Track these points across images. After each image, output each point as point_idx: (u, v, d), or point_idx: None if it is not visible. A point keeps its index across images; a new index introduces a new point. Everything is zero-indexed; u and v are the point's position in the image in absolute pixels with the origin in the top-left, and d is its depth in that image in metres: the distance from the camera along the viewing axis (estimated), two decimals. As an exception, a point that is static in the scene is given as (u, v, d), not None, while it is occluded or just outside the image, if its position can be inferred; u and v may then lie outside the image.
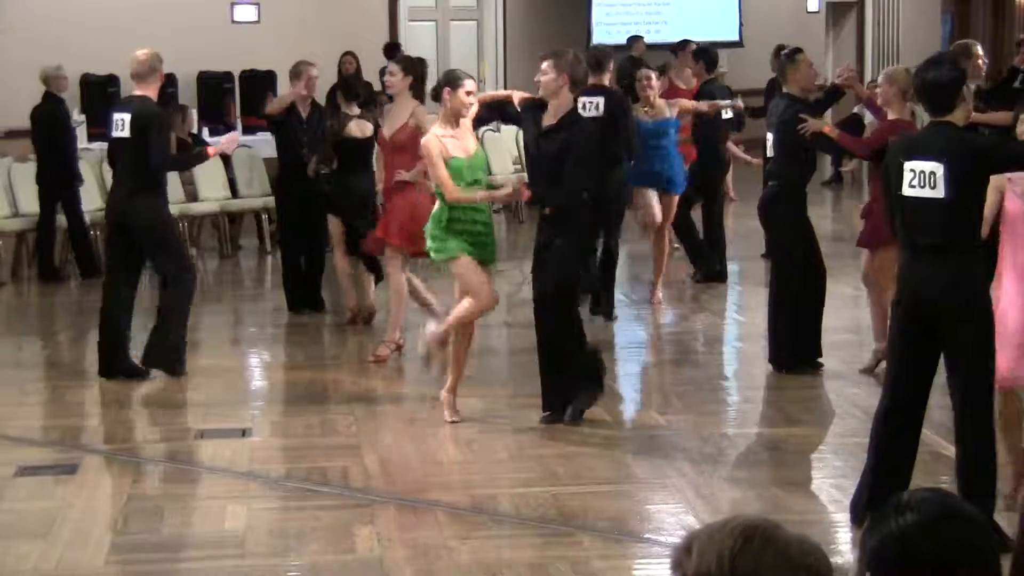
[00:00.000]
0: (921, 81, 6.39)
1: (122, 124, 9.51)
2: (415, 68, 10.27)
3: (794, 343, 9.53)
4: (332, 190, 10.96)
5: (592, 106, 10.80)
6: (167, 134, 9.81)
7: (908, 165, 6.22)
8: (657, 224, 11.88)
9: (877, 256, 9.34)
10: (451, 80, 8.40)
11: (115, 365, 9.67)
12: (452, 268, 8.44)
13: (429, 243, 8.44)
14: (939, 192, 6.13)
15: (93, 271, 13.78)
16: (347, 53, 16.22)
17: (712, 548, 2.36)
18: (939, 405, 8.15)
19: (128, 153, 9.58)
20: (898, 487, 6.26)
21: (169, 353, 9.70)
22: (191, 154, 9.99)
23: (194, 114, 16.35)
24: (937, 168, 6.13)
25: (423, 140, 8.46)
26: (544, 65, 8.22)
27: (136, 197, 9.55)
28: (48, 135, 13.77)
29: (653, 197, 11.73)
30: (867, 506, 6.39)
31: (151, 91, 9.63)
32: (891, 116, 9.23)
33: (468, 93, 8.32)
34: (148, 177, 9.55)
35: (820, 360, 9.63)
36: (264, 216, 15.21)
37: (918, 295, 6.27)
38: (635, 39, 19.00)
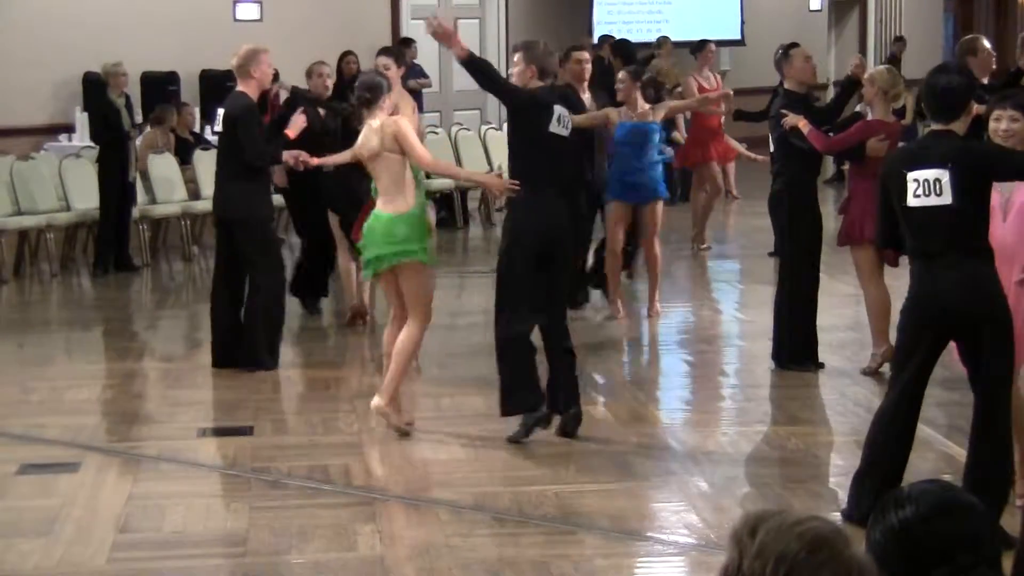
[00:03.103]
0: (930, 84, 6.35)
1: (219, 119, 9.79)
2: (405, 57, 10.36)
3: (796, 340, 9.54)
4: (332, 188, 10.96)
5: None
6: (256, 128, 9.76)
7: (912, 175, 6.18)
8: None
9: (853, 254, 9.36)
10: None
11: (226, 356, 9.84)
12: (416, 277, 8.22)
13: (413, 246, 8.14)
14: (946, 199, 6.10)
15: (107, 267, 13.92)
16: (349, 53, 16.18)
17: (776, 545, 2.31)
18: (940, 403, 8.16)
19: (222, 147, 9.98)
20: (895, 483, 6.28)
21: (249, 353, 9.78)
22: (278, 143, 9.89)
23: (196, 112, 16.36)
24: (942, 175, 6.10)
25: (399, 120, 8.32)
26: (515, 57, 8.21)
27: (230, 190, 9.79)
28: (100, 130, 14.09)
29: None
30: (865, 503, 6.40)
31: (248, 86, 9.74)
32: (873, 116, 9.24)
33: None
34: (241, 170, 9.69)
35: (820, 360, 9.64)
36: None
37: (938, 302, 6.20)
38: (607, 38, 18.98)
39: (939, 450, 7.71)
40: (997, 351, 6.21)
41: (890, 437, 6.45)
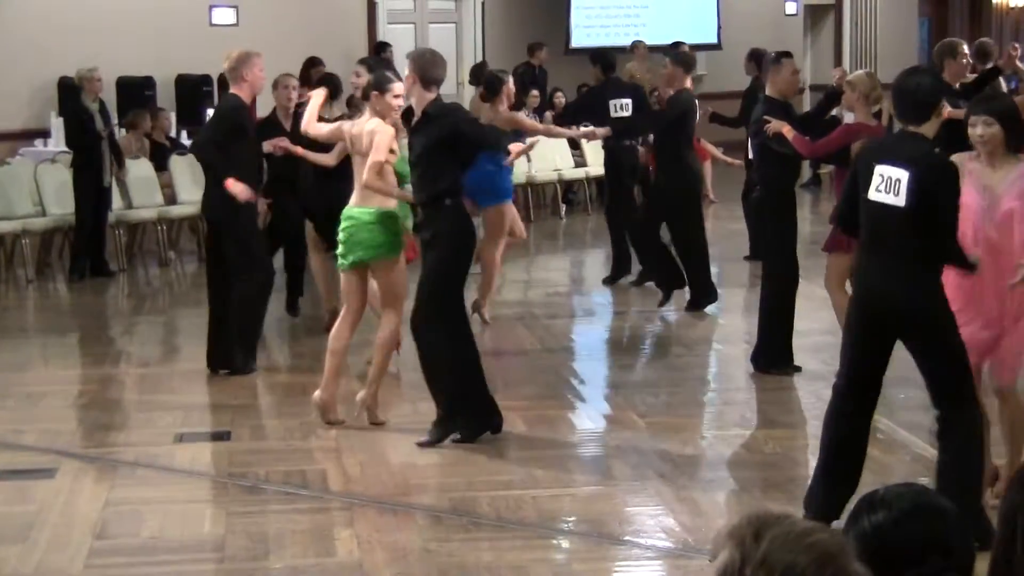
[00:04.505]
0: (900, 86, 6.37)
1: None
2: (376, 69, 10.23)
3: (777, 344, 9.57)
4: (313, 199, 10.96)
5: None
6: (225, 126, 9.69)
7: (878, 169, 6.22)
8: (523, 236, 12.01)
9: (830, 259, 9.39)
10: (379, 83, 8.51)
11: (216, 360, 9.85)
12: (388, 273, 8.46)
13: (387, 245, 8.40)
14: (900, 201, 6.14)
15: (83, 272, 13.89)
16: (316, 62, 16.08)
17: (783, 555, 2.25)
18: (917, 405, 8.19)
19: None
20: (853, 484, 6.31)
21: (232, 353, 9.81)
22: (222, 164, 9.69)
23: (172, 116, 16.32)
24: (903, 175, 6.14)
25: (377, 130, 8.43)
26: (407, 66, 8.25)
27: (215, 191, 9.73)
28: (74, 134, 14.08)
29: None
30: (823, 505, 6.42)
31: (240, 90, 9.67)
32: (855, 120, 9.28)
33: (396, 96, 8.44)
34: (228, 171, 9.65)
35: (797, 364, 9.68)
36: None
37: (872, 296, 6.28)
38: (537, 47, 19.11)
39: (916, 453, 7.74)
40: (935, 354, 6.24)
41: (853, 437, 6.47)
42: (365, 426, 8.59)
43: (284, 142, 10.05)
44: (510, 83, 11.44)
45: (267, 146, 10.09)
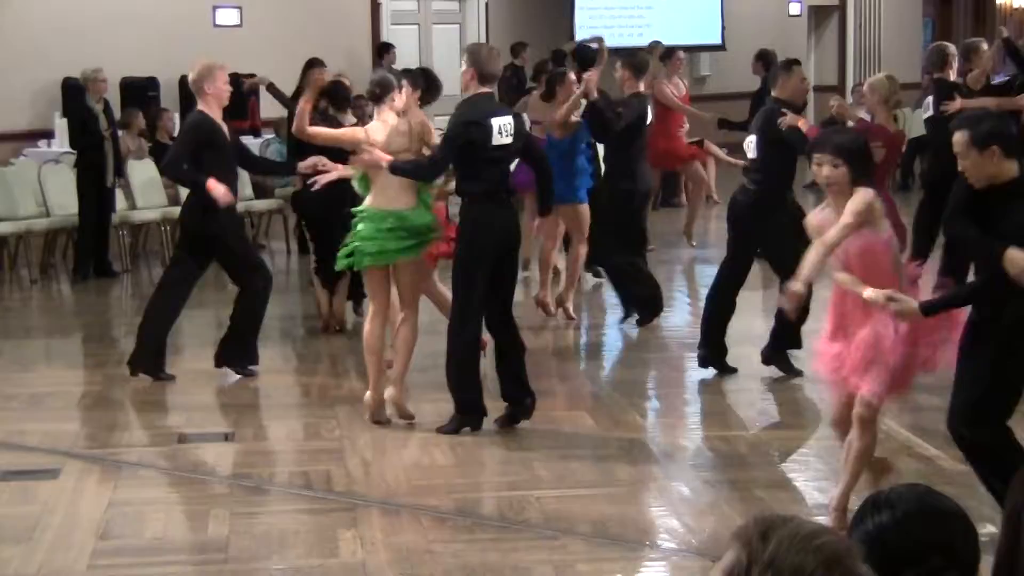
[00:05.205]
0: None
1: None
2: (418, 81, 9.89)
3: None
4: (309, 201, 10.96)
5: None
6: (190, 147, 9.59)
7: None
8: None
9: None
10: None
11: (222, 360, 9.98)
12: (415, 272, 8.59)
13: (414, 242, 8.47)
14: None
15: (87, 273, 13.89)
16: (317, 63, 16.03)
17: (791, 557, 2.25)
18: (919, 407, 8.18)
19: None
20: None
21: (236, 354, 9.93)
22: (196, 176, 9.54)
23: (176, 117, 16.32)
24: None
25: (426, 120, 8.69)
26: (462, 61, 8.35)
27: (191, 202, 9.73)
28: (78, 135, 14.14)
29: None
30: None
31: (204, 103, 9.53)
32: (877, 123, 9.31)
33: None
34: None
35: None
36: (247, 220, 15.19)
37: None
38: (520, 47, 19.06)
39: (918, 454, 7.74)
40: None
41: None
42: (368, 426, 8.59)
43: (324, 160, 9.71)
44: (570, 78, 11.34)
45: (305, 167, 9.75)
